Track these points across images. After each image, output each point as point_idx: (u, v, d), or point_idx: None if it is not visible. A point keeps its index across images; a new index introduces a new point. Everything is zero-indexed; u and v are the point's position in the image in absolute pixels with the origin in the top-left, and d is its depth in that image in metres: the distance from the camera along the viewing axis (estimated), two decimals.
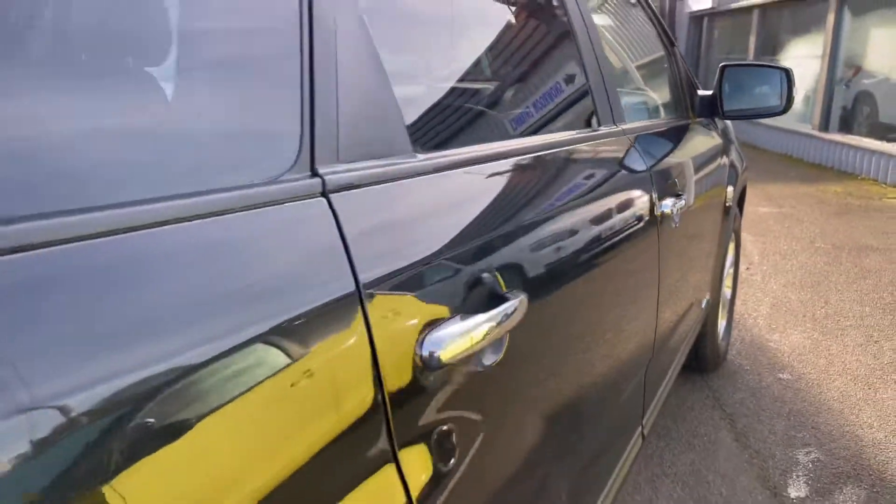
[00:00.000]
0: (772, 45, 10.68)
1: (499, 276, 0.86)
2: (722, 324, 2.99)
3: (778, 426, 2.57)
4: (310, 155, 0.66)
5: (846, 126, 8.66)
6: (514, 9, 1.27)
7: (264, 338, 0.54)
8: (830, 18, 8.63)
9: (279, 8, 0.66)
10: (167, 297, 0.49)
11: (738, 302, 3.76)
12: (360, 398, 0.62)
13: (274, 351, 0.54)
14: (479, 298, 0.81)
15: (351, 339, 0.62)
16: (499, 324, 0.80)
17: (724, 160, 2.42)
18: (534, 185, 1.06)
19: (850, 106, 8.66)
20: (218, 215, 0.55)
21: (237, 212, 0.56)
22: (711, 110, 2.19)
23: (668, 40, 2.15)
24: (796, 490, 2.20)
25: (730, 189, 2.52)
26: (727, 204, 2.47)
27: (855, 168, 8.04)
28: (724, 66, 2.12)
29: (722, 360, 3.02)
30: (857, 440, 2.47)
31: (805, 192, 7.01)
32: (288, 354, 0.55)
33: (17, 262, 0.42)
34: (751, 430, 2.54)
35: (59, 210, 0.45)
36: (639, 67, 2.12)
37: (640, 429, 1.65)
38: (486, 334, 0.77)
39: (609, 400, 1.38)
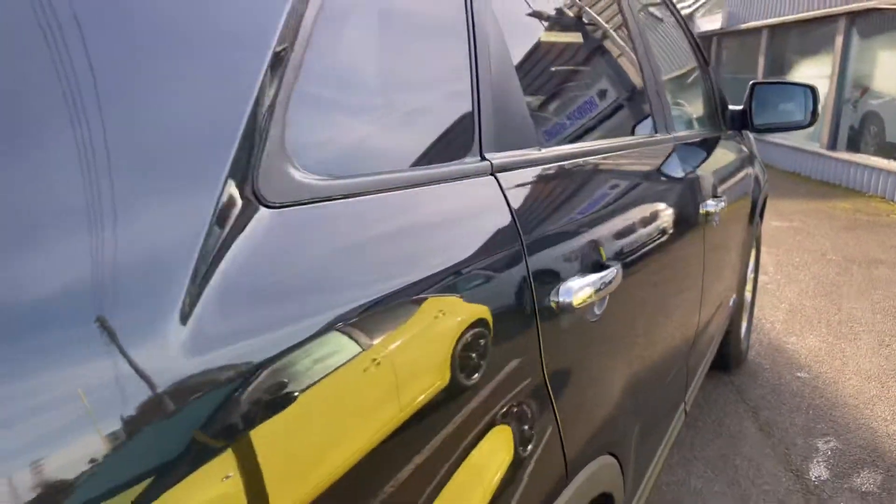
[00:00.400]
0: (780, 66, 10.93)
1: (601, 248, 1.07)
2: (744, 325, 3.19)
3: (798, 419, 2.75)
4: (479, 145, 0.87)
5: (854, 145, 8.88)
6: (595, 37, 1.49)
7: (465, 267, 0.74)
8: (839, 40, 8.87)
9: (458, 58, 0.87)
10: (422, 235, 0.70)
11: (755, 309, 3.95)
12: (525, 327, 0.82)
13: (472, 282, 0.75)
14: (589, 262, 1.02)
15: (520, 278, 0.82)
16: (603, 287, 1.00)
17: (751, 171, 2.63)
18: (615, 178, 1.27)
19: (857, 125, 8.88)
20: (434, 183, 0.76)
21: (444, 182, 0.77)
22: (742, 124, 2.40)
23: (703, 59, 2.37)
24: (817, 473, 2.39)
25: (754, 198, 2.72)
26: (751, 211, 2.67)
27: (863, 186, 8.25)
28: (754, 84, 2.33)
29: (743, 359, 3.21)
30: (872, 431, 2.65)
31: (815, 208, 7.21)
32: (482, 285, 0.76)
33: (349, 203, 0.63)
34: (773, 422, 2.73)
35: (369, 172, 0.67)
36: (676, 79, 2.33)
37: (683, 405, 1.85)
38: (598, 291, 0.97)
39: (662, 374, 1.57)
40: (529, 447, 0.82)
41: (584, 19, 1.46)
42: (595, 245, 1.05)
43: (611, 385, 1.14)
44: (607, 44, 1.53)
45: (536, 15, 1.24)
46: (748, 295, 3.25)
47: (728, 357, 3.01)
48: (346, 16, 0.70)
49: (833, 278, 4.62)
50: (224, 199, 0.50)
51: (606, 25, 1.54)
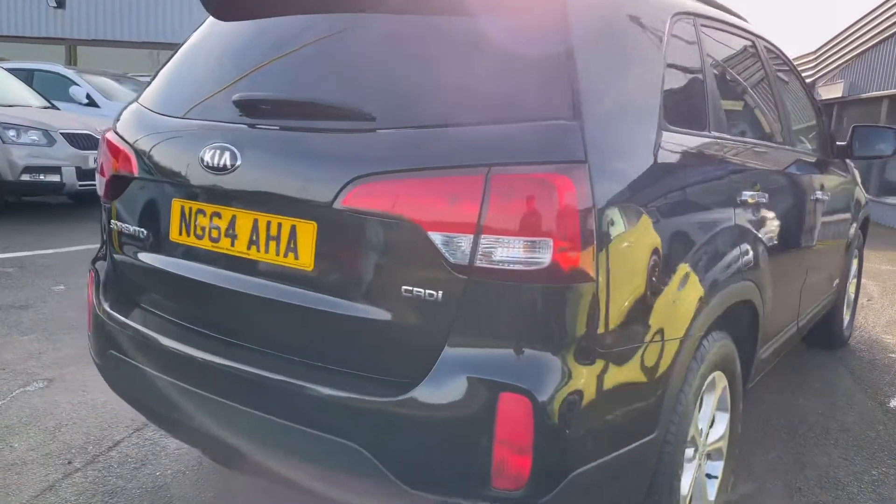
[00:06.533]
0: None
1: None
2: (846, 318, 4.10)
3: (886, 377, 3.65)
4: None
5: None
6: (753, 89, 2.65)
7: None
8: None
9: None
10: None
11: (859, 320, 4.81)
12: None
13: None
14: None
15: None
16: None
17: (852, 190, 3.62)
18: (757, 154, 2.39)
19: None
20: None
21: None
22: (845, 153, 3.42)
23: (818, 108, 3.44)
24: (894, 404, 3.30)
25: (854, 211, 3.69)
26: (852, 220, 3.64)
27: None
28: (855, 127, 3.37)
29: (845, 342, 4.11)
30: None
31: None
32: None
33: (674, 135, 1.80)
34: (865, 378, 3.64)
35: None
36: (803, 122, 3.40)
37: (796, 322, 2.87)
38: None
39: (784, 294, 2.61)
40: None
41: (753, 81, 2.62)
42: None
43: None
44: (759, 93, 2.67)
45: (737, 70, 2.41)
46: (852, 294, 4.17)
47: (832, 337, 3.94)
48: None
49: None
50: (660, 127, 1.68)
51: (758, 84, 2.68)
